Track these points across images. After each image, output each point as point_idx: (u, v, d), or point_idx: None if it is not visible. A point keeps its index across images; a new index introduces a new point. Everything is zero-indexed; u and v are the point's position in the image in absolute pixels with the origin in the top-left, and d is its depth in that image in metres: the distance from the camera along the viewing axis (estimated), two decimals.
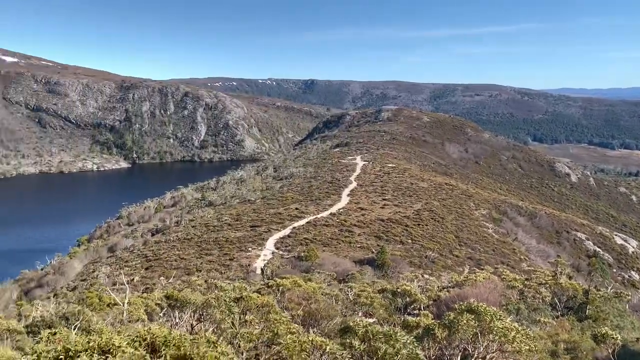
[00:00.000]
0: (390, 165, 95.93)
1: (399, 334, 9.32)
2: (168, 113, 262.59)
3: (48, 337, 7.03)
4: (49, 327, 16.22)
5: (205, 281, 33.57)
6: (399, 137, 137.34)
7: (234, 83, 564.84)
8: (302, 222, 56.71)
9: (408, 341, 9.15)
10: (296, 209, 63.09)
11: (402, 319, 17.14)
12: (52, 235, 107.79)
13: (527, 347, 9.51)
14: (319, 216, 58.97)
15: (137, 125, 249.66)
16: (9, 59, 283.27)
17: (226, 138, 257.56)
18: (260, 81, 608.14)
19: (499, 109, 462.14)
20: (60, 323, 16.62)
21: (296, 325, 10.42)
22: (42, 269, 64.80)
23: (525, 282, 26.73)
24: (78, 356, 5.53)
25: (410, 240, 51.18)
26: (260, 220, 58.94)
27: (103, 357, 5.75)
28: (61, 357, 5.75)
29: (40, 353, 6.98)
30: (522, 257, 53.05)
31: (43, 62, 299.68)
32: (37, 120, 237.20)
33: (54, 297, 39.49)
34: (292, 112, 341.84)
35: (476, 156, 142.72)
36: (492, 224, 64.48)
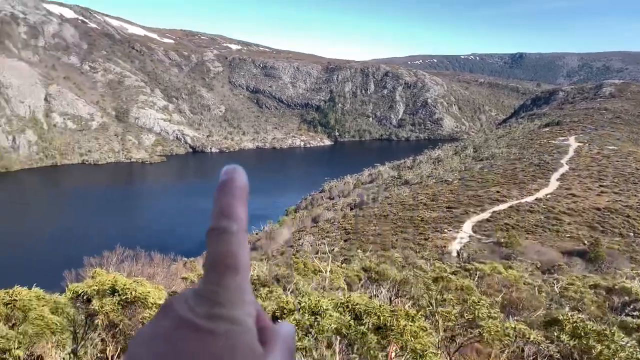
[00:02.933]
0: (610, 147, 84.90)
1: (616, 334, 8.29)
2: (368, 92, 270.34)
3: (266, 295, 7.95)
4: (264, 286, 18.22)
5: (404, 258, 34.08)
6: (623, 116, 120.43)
7: (434, 60, 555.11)
8: (504, 206, 53.77)
9: (628, 344, 8.09)
10: (497, 192, 59.99)
11: (619, 319, 15.22)
12: (265, 203, 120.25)
13: None
14: (522, 201, 55.23)
15: (339, 105, 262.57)
16: (234, 46, 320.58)
17: (424, 117, 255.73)
18: (462, 57, 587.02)
19: None
20: (272, 283, 18.55)
21: (497, 310, 9.97)
22: (256, 234, 72.89)
23: None
24: (292, 314, 6.13)
25: (632, 234, 44.92)
26: (457, 201, 57.52)
27: (312, 317, 6.27)
28: (277, 313, 6.44)
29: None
30: None
31: (261, 49, 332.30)
32: (255, 101, 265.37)
33: (265, 259, 44.11)
34: (496, 89, 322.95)
35: None
36: None
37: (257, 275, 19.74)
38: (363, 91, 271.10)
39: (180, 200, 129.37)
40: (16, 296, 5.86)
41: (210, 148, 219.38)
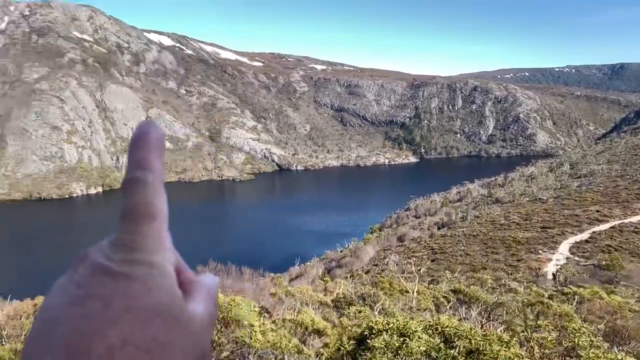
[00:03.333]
0: None
1: None
2: (456, 108, 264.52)
3: (354, 314, 7.97)
4: (349, 304, 18.21)
5: (495, 280, 32.73)
6: None
7: (526, 73, 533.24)
8: (604, 226, 50.10)
9: None
10: (597, 211, 56.06)
11: None
12: (350, 220, 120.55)
13: None
14: (626, 221, 51.17)
15: (425, 122, 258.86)
16: (319, 66, 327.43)
17: (516, 132, 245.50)
18: (556, 69, 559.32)
19: None
20: (358, 302, 18.50)
21: (600, 339, 9.30)
22: (341, 251, 73.12)
23: None
24: (380, 334, 6.11)
25: None
26: (552, 221, 54.40)
27: (401, 339, 6.21)
28: (366, 332, 6.44)
29: (347, 327, 7.94)
30: None
31: (345, 68, 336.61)
32: (339, 119, 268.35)
33: (350, 277, 44.03)
34: (594, 102, 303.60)
35: None
36: None
37: (342, 294, 19.77)
38: (450, 107, 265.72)
39: (268, 216, 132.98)
40: None
41: (296, 166, 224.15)
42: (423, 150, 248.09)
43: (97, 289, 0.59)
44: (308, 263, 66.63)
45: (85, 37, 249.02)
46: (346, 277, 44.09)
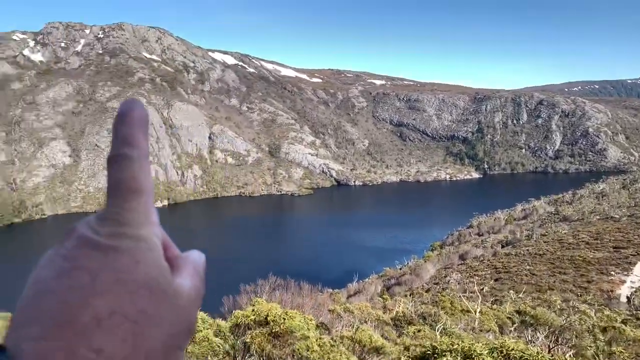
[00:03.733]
0: None
1: None
2: (520, 122, 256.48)
3: (414, 333, 7.81)
4: (409, 323, 17.89)
5: (563, 302, 31.21)
6: None
7: (596, 86, 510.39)
8: None
9: None
10: None
11: None
12: (409, 237, 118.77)
13: None
14: None
15: (488, 136, 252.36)
16: (378, 81, 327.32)
17: (585, 147, 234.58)
18: (629, 81, 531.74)
19: None
20: (418, 321, 18.14)
21: None
22: (400, 268, 72.06)
23: None
24: (443, 355, 5.95)
25: None
26: (626, 241, 51.38)
27: None
28: (428, 352, 6.29)
29: (409, 346, 7.79)
30: None
31: (405, 82, 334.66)
32: (398, 134, 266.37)
33: (410, 295, 43.26)
34: None
35: None
36: None
37: (402, 312, 19.47)
38: (514, 121, 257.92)
39: (326, 231, 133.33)
40: None
41: (354, 181, 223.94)
42: (486, 166, 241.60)
43: (85, 261, 0.59)
44: (366, 280, 66.13)
45: (154, 57, 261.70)
46: (405, 295, 43.37)
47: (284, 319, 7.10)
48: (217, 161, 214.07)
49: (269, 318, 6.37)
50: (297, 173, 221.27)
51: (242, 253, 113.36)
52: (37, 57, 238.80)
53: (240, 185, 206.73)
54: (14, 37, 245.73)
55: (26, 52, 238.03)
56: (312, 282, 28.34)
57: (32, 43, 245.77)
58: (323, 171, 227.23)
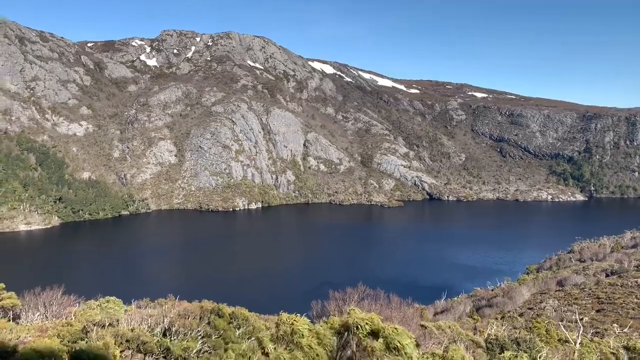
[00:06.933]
0: None
1: None
2: (635, 144, 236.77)
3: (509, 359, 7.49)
4: (502, 348, 17.14)
5: None
6: None
7: None
8: None
9: None
10: None
11: None
12: (503, 258, 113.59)
13: None
14: None
15: (597, 157, 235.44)
16: (479, 94, 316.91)
17: None
18: None
19: None
20: (511, 346, 17.31)
21: None
22: (492, 289, 68.96)
23: None
24: None
25: None
26: None
27: None
28: None
29: None
30: None
31: (507, 96, 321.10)
32: (498, 150, 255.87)
33: (501, 318, 41.36)
34: None
35: None
36: None
37: (495, 335, 18.71)
38: (627, 142, 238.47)
39: (415, 245, 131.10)
40: (293, 323, 6.78)
41: (447, 196, 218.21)
42: (592, 188, 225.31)
43: None
44: (455, 298, 64.12)
45: (257, 65, 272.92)
46: (496, 318, 41.56)
47: (394, 333, 7.07)
48: (309, 168, 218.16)
49: (374, 327, 6.43)
50: (388, 184, 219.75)
51: (330, 259, 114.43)
52: (152, 62, 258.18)
53: (330, 193, 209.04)
54: (133, 44, 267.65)
55: (143, 57, 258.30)
56: (400, 294, 28.00)
57: (148, 49, 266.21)
58: (415, 184, 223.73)
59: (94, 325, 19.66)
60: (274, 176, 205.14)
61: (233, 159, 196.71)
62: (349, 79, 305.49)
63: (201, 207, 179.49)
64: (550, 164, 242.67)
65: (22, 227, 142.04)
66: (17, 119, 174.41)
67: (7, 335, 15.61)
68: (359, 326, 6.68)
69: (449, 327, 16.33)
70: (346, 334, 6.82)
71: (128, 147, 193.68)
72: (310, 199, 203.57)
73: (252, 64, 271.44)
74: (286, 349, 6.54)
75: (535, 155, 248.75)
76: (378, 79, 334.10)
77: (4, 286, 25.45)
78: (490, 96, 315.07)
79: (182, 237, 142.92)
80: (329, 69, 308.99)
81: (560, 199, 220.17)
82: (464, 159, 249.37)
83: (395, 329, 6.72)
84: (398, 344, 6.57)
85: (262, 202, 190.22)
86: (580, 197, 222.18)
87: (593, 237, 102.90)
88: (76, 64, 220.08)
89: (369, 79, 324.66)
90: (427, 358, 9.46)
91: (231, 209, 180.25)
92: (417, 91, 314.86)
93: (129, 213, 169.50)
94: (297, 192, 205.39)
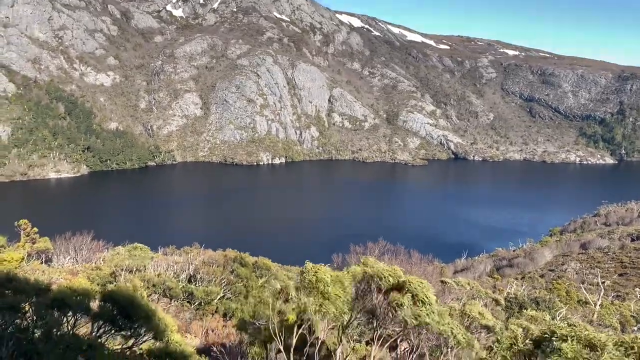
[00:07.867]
0: None
1: None
2: None
3: (531, 317, 7.57)
4: (520, 306, 17.23)
5: None
6: None
7: None
8: None
9: None
10: None
11: None
12: (526, 219, 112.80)
13: None
14: None
15: (630, 119, 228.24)
16: (510, 52, 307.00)
17: None
18: None
19: None
20: (530, 305, 17.39)
21: None
22: (513, 250, 68.87)
23: None
24: (565, 340, 5.68)
25: None
26: None
27: (587, 349, 5.70)
28: (546, 335, 6.06)
29: (525, 327, 7.57)
30: None
31: (540, 54, 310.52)
32: (527, 110, 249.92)
33: (522, 279, 41.45)
34: None
35: None
36: None
37: (514, 294, 18.80)
38: None
39: (439, 204, 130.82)
40: (317, 271, 6.92)
41: (473, 156, 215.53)
42: (624, 152, 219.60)
43: None
44: (475, 258, 64.32)
45: (284, 17, 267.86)
46: (516, 278, 41.66)
47: (411, 282, 7.12)
48: (334, 124, 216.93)
49: (406, 285, 6.51)
50: (413, 142, 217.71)
51: (352, 214, 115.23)
52: (178, 12, 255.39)
53: (354, 150, 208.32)
54: None
55: (169, 7, 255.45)
56: (421, 251, 28.18)
57: None
58: (441, 142, 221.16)
59: (122, 270, 20.41)
60: (298, 132, 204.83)
61: (258, 113, 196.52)
62: (377, 33, 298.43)
63: (226, 160, 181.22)
64: (580, 125, 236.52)
65: (52, 175, 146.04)
66: (45, 67, 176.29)
67: (40, 277, 16.33)
68: (383, 277, 6.75)
69: (469, 284, 16.44)
70: (368, 284, 6.92)
71: (154, 99, 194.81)
72: (333, 156, 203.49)
73: (278, 15, 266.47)
74: (309, 296, 6.70)
75: (565, 116, 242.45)
76: (407, 33, 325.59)
77: (37, 230, 26.41)
78: (522, 54, 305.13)
79: (207, 188, 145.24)
80: (356, 22, 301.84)
81: (589, 162, 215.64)
82: (492, 118, 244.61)
83: (421, 282, 6.78)
84: (425, 298, 6.64)
85: (286, 157, 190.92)
86: (609, 160, 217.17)
87: (620, 201, 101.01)
88: (103, 13, 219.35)
89: (398, 34, 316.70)
90: (446, 311, 9.56)
91: (255, 163, 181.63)
92: (447, 47, 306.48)
93: (155, 164, 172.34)
94: (320, 148, 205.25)
